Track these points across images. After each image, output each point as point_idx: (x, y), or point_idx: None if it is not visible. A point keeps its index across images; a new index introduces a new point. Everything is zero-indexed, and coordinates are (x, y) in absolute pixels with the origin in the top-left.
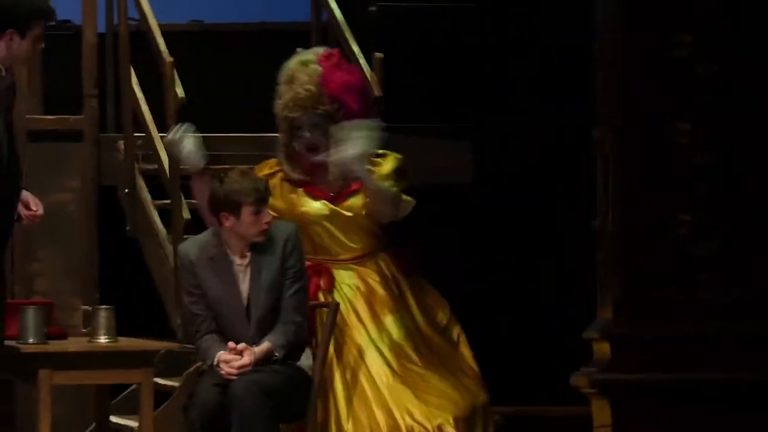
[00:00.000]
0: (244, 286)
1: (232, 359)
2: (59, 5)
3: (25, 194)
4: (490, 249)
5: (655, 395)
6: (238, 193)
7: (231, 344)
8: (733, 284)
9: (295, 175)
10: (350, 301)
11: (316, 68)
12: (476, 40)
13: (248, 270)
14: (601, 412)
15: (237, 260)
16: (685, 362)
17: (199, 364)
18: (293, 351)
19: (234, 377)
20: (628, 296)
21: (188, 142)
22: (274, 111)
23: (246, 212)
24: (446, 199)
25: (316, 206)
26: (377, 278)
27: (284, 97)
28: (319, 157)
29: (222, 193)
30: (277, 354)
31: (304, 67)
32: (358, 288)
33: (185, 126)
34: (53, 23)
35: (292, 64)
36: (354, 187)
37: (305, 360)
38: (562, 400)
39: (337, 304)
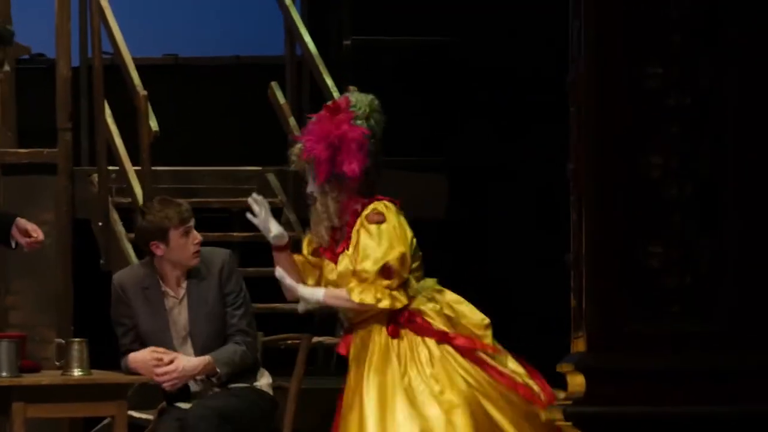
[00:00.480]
0: (182, 317)
1: (161, 365)
2: (33, 39)
3: (22, 222)
4: (462, 284)
5: (629, 428)
6: (163, 219)
7: (157, 354)
8: (705, 316)
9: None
10: None
11: (300, 148)
12: (451, 74)
13: (184, 301)
14: None
15: (171, 292)
16: (659, 395)
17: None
18: (242, 372)
19: (169, 382)
20: (602, 329)
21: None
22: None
23: (174, 236)
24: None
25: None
26: None
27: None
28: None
29: (147, 223)
30: (219, 369)
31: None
32: None
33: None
34: (10, 46)
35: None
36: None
37: (264, 380)
38: None
39: (310, 337)
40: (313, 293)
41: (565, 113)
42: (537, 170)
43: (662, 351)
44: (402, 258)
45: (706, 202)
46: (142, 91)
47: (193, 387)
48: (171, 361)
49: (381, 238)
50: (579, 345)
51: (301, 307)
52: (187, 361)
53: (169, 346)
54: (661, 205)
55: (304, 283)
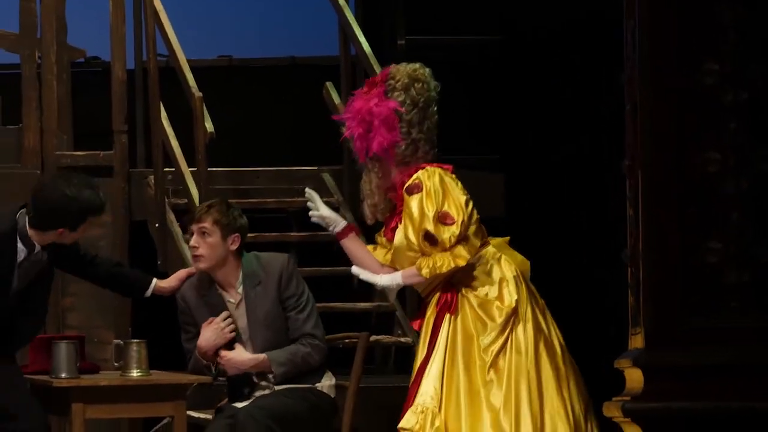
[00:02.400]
0: (240, 322)
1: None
2: (88, 42)
3: (163, 286)
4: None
5: (687, 424)
6: (190, 215)
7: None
8: (764, 311)
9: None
10: None
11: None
12: (504, 72)
13: (242, 306)
14: None
15: (227, 296)
16: (717, 391)
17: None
18: (305, 373)
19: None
20: (660, 325)
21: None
22: None
23: (192, 233)
24: None
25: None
26: None
27: None
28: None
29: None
30: (273, 370)
31: None
32: None
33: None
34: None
35: None
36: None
37: (326, 381)
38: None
39: (368, 335)
40: (391, 280)
41: (621, 110)
42: (594, 166)
43: (720, 346)
44: (440, 217)
45: (764, 197)
46: (198, 93)
47: (256, 389)
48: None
49: (416, 208)
50: (637, 341)
51: (390, 298)
52: (237, 354)
53: (231, 349)
54: (719, 200)
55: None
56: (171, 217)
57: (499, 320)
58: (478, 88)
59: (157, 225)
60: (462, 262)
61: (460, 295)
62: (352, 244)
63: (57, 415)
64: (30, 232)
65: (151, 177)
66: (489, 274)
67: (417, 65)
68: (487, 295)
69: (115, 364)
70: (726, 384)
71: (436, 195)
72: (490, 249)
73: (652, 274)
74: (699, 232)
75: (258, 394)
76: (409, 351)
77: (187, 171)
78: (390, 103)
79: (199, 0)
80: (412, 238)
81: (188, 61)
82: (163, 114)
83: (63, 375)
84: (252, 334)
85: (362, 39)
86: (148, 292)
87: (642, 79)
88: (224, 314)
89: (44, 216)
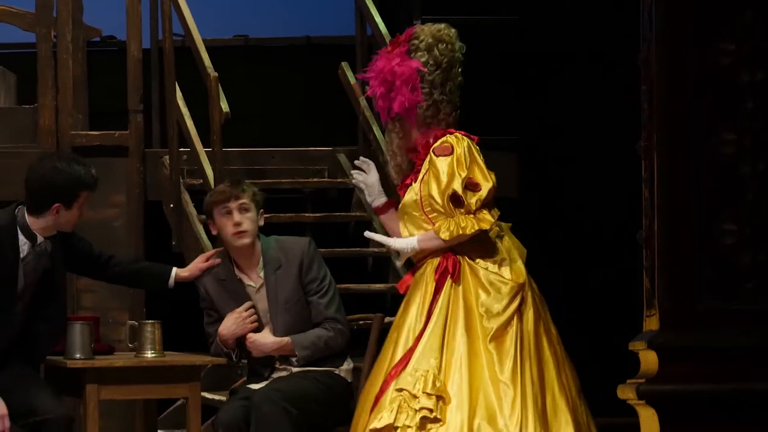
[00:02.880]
0: (260, 306)
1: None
2: (104, 21)
3: (183, 273)
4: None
5: (702, 406)
6: (209, 198)
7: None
8: None
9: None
10: None
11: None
12: (521, 53)
13: (263, 290)
14: (648, 424)
15: (247, 279)
16: (732, 372)
17: (244, 378)
18: (324, 356)
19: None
20: (675, 307)
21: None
22: None
23: (217, 215)
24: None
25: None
26: None
27: None
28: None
29: (204, 205)
30: (297, 352)
31: None
32: None
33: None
34: (93, 191)
35: None
36: (407, 180)
37: (345, 365)
38: (609, 410)
39: (382, 317)
40: (407, 243)
41: (637, 92)
42: (609, 147)
43: (735, 328)
44: (467, 183)
45: None
46: (213, 73)
47: (275, 372)
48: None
49: (446, 168)
50: (651, 323)
51: (399, 263)
52: (262, 337)
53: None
54: (735, 182)
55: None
56: (186, 197)
57: (506, 293)
58: (493, 68)
59: (171, 205)
60: (486, 226)
61: (463, 261)
62: (426, 243)
63: (71, 396)
64: (29, 220)
65: (166, 157)
66: (496, 248)
67: (442, 26)
68: (495, 266)
69: (130, 345)
70: (741, 366)
71: (466, 161)
72: (496, 228)
73: (667, 255)
74: (714, 213)
75: (276, 376)
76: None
77: (202, 151)
78: (413, 63)
79: None
80: (437, 197)
81: (204, 40)
82: (179, 94)
83: (77, 356)
84: (273, 318)
85: (378, 19)
86: (171, 283)
87: (658, 59)
88: (247, 304)
89: (37, 194)
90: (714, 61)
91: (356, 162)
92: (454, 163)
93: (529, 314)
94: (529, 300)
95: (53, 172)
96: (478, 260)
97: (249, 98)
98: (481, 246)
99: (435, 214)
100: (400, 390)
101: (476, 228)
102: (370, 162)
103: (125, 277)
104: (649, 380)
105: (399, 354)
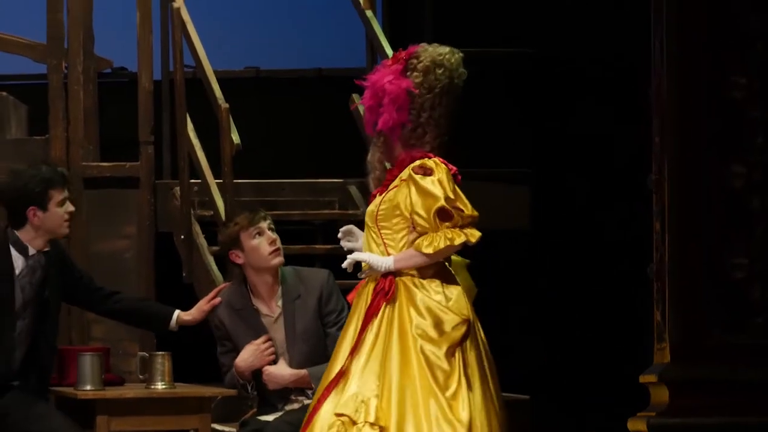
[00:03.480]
0: (278, 336)
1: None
2: (115, 53)
3: (186, 317)
4: (545, 295)
5: None
6: (233, 226)
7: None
8: None
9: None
10: None
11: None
12: (533, 84)
13: (280, 320)
14: None
15: (265, 310)
16: (742, 406)
17: (254, 410)
18: None
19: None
20: (686, 340)
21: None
22: None
23: (246, 239)
24: (503, 244)
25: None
26: None
27: None
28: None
29: (221, 236)
30: (314, 385)
31: None
32: None
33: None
34: (66, 186)
35: None
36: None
37: None
38: None
39: None
40: (382, 262)
41: (648, 123)
42: (621, 180)
43: (746, 362)
44: (455, 200)
45: None
46: (224, 104)
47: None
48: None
49: (431, 186)
50: (662, 356)
51: (362, 274)
52: (278, 369)
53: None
54: (745, 216)
55: None
56: (197, 228)
57: (447, 322)
58: (505, 99)
59: (182, 237)
60: (473, 240)
61: (400, 282)
62: (404, 263)
63: (82, 428)
64: (18, 235)
65: (177, 188)
66: (443, 277)
67: (447, 50)
68: (437, 294)
69: (140, 376)
70: (751, 400)
71: (449, 183)
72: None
73: (678, 289)
74: (725, 247)
75: (288, 408)
76: None
77: (213, 182)
78: (404, 82)
79: (226, 11)
80: (422, 212)
81: (215, 72)
82: (190, 125)
83: (88, 387)
84: (289, 348)
85: (389, 51)
86: (172, 325)
87: (669, 92)
88: (265, 337)
89: (10, 206)
90: (725, 94)
91: (340, 234)
92: (437, 182)
93: (472, 350)
94: (472, 338)
95: (14, 178)
96: (417, 284)
97: (260, 130)
98: (425, 271)
99: (398, 228)
100: (340, 415)
101: (463, 239)
102: (351, 228)
103: (125, 313)
104: (660, 413)
105: (333, 371)
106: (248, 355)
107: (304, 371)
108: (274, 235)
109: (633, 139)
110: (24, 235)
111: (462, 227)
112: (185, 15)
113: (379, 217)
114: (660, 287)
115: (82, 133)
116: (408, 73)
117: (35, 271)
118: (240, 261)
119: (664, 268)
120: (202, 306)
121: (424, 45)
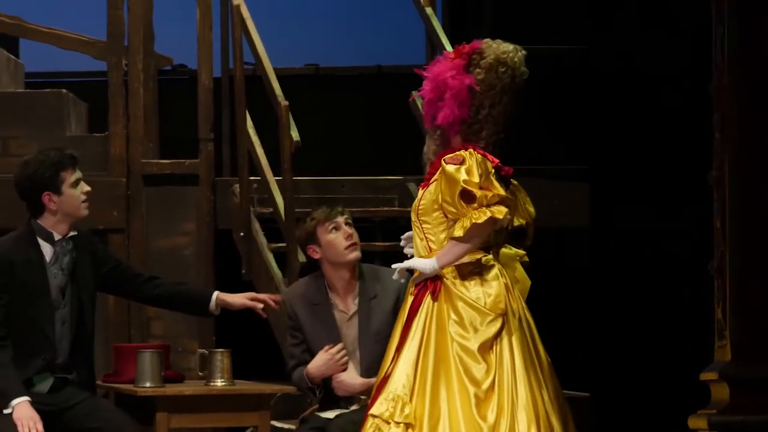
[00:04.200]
0: (351, 333)
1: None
2: (175, 50)
3: (225, 299)
4: (606, 292)
5: None
6: (310, 221)
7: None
8: None
9: None
10: None
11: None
12: (592, 81)
13: (354, 318)
14: None
15: (341, 305)
16: None
17: (315, 406)
18: None
19: (340, 387)
20: (747, 338)
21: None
22: None
23: (322, 233)
24: (563, 241)
25: None
26: None
27: None
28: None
29: (299, 232)
30: None
31: None
32: None
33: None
34: (76, 167)
35: None
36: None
37: None
38: None
39: None
40: (427, 264)
41: (708, 119)
42: (681, 177)
43: None
44: (479, 183)
45: None
46: (284, 101)
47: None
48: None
49: (455, 172)
50: (723, 354)
51: (400, 276)
52: (350, 377)
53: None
54: None
55: None
56: (256, 226)
57: (482, 322)
58: (565, 96)
59: (242, 234)
60: (500, 216)
61: (444, 284)
62: (446, 258)
63: (141, 424)
64: (40, 223)
65: (237, 185)
66: (482, 275)
67: (510, 48)
68: (475, 292)
69: (200, 373)
70: None
71: (477, 171)
72: (488, 256)
73: (739, 286)
74: None
75: (353, 407)
76: None
77: (272, 180)
78: (466, 78)
79: (286, 8)
80: (448, 197)
81: (275, 69)
82: (249, 122)
83: (147, 384)
84: (361, 347)
85: (449, 48)
86: (212, 306)
87: (731, 87)
88: (339, 345)
89: (26, 196)
90: None
91: (402, 241)
92: (463, 169)
93: (515, 345)
94: (517, 331)
95: (24, 168)
96: (457, 283)
97: (319, 127)
98: (463, 269)
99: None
100: (374, 416)
101: (488, 216)
102: (411, 234)
103: (164, 299)
104: (721, 411)
105: (382, 374)
106: (321, 363)
107: (374, 380)
108: (351, 230)
109: (694, 135)
110: (46, 222)
111: (491, 205)
112: (245, 12)
113: (420, 211)
114: (720, 284)
115: (142, 130)
116: (470, 69)
117: (64, 256)
118: (317, 256)
119: (724, 264)
120: (254, 296)
121: (488, 41)
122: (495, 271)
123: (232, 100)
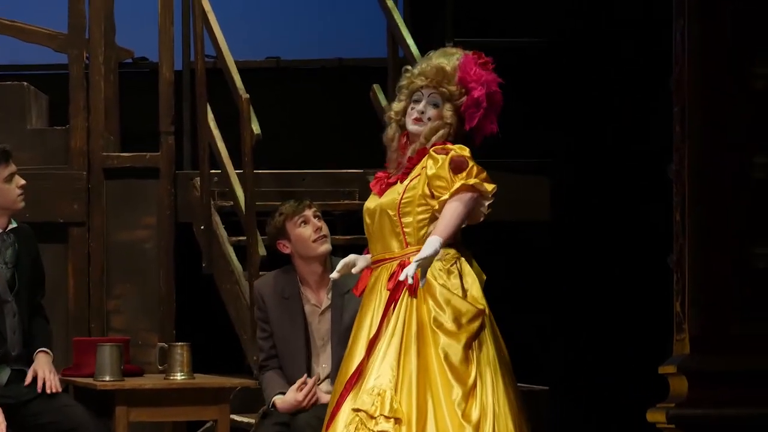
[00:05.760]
0: (322, 326)
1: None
2: (136, 43)
3: (35, 368)
4: (565, 286)
5: (733, 431)
6: (277, 216)
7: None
8: None
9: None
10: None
11: (459, 56)
12: (552, 75)
13: (327, 312)
14: None
15: (312, 299)
16: (761, 398)
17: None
18: None
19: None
20: (706, 331)
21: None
22: (399, 84)
23: (291, 228)
24: (524, 234)
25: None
26: None
27: (416, 68)
28: (416, 128)
29: (268, 227)
30: None
31: (449, 53)
32: None
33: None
34: (10, 162)
35: (438, 50)
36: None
37: None
38: None
39: None
40: (431, 248)
41: (669, 114)
42: (640, 170)
43: (765, 353)
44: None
45: None
46: (245, 95)
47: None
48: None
49: (444, 153)
50: (681, 347)
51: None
52: (322, 396)
53: (301, 355)
54: (767, 205)
55: None
56: (217, 219)
57: (464, 314)
58: (525, 90)
59: (202, 227)
60: (490, 188)
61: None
62: (447, 230)
63: (101, 418)
64: None
65: (198, 179)
66: (456, 269)
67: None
68: (453, 287)
69: (159, 367)
70: None
71: (469, 154)
72: (456, 252)
73: (698, 279)
74: (746, 237)
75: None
76: None
77: (233, 173)
78: (498, 95)
79: (247, 1)
80: (438, 172)
81: (236, 62)
82: (210, 115)
83: (107, 378)
84: (332, 341)
85: (410, 41)
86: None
87: (691, 81)
88: (311, 382)
89: None
90: (748, 83)
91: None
92: (456, 147)
93: (489, 341)
94: (488, 327)
95: None
96: (436, 274)
97: (280, 120)
98: (440, 264)
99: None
100: (357, 410)
101: (477, 182)
102: (348, 263)
103: (29, 324)
104: (679, 404)
105: (353, 364)
106: (289, 405)
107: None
108: (320, 223)
109: (654, 128)
110: None
111: (479, 177)
112: (206, 5)
113: (402, 206)
114: (679, 278)
115: (103, 123)
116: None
117: (6, 249)
118: (288, 250)
119: (683, 258)
120: (36, 373)
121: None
122: (467, 266)
123: (193, 94)
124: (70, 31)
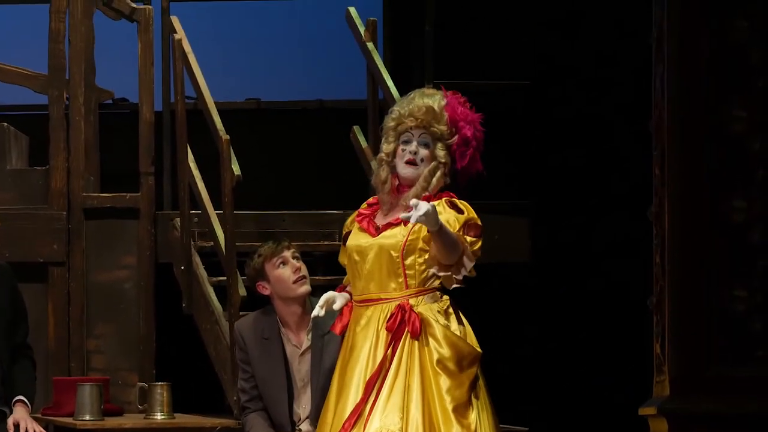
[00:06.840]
0: (303, 367)
1: None
2: (116, 84)
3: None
4: (545, 327)
5: None
6: (257, 258)
7: None
8: None
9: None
10: None
11: (440, 96)
12: (533, 116)
13: (307, 354)
14: None
15: (293, 339)
16: None
17: None
18: None
19: None
20: (685, 373)
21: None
22: (383, 125)
23: (270, 269)
24: (503, 277)
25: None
26: None
27: (401, 109)
28: (409, 171)
29: (247, 269)
30: None
31: (429, 94)
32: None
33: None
34: None
35: (415, 90)
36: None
37: None
38: None
39: None
40: (427, 204)
41: (648, 156)
42: (621, 211)
43: (746, 396)
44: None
45: None
46: (225, 136)
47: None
48: None
49: (461, 206)
50: (661, 388)
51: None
52: None
53: (283, 395)
54: (745, 249)
55: None
56: (197, 259)
57: (466, 356)
58: (505, 132)
59: (182, 268)
60: (471, 266)
61: (425, 320)
62: (447, 233)
63: None
64: None
65: (177, 219)
66: (454, 313)
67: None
68: (455, 329)
69: (139, 406)
70: None
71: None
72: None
73: (678, 321)
74: (725, 280)
75: None
76: None
77: (213, 214)
78: (481, 133)
79: (227, 43)
80: (452, 221)
81: (216, 103)
82: (190, 156)
83: (87, 417)
84: (313, 383)
85: (390, 83)
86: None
87: (670, 125)
88: None
89: None
90: (726, 127)
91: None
92: (468, 207)
93: (482, 383)
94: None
95: None
96: (435, 318)
97: (261, 161)
98: (438, 306)
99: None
100: None
101: (474, 258)
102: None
103: (11, 367)
104: None
105: (349, 404)
106: None
107: None
108: (299, 263)
109: (634, 169)
110: None
111: (479, 246)
112: (186, 46)
113: (406, 248)
114: (659, 319)
115: (83, 164)
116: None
117: None
118: (267, 292)
119: (663, 300)
120: (17, 424)
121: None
122: (459, 312)
123: (173, 134)
124: (51, 71)
